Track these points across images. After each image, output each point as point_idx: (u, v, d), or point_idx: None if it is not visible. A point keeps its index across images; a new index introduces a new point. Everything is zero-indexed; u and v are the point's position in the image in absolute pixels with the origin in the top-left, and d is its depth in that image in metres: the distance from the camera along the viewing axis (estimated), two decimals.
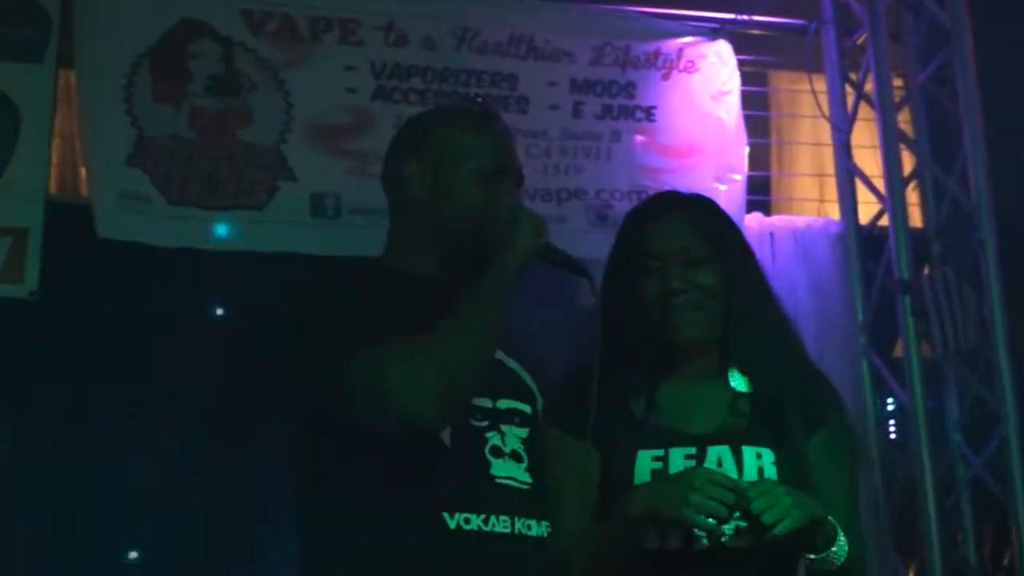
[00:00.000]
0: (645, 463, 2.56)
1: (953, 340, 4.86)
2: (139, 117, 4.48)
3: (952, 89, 5.06)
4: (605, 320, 2.59)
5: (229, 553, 5.23)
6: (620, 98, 4.96)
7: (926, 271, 5.01)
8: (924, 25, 5.13)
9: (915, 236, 5.04)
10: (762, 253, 4.92)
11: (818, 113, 5.16)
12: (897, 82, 5.15)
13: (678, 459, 2.55)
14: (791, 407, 2.60)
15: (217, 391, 5.03)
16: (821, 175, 5.41)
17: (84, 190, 4.59)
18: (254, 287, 4.68)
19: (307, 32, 4.67)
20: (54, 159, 4.60)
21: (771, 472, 2.53)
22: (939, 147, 5.15)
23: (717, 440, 2.57)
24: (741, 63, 5.10)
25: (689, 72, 5.02)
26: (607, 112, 4.95)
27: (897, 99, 5.10)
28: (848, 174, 5.16)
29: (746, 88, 5.18)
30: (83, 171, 4.59)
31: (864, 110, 5.13)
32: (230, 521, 5.22)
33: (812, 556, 2.47)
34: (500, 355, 2.52)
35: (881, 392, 5.14)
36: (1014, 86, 5.01)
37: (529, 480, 2.49)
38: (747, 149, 5.08)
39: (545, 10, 4.95)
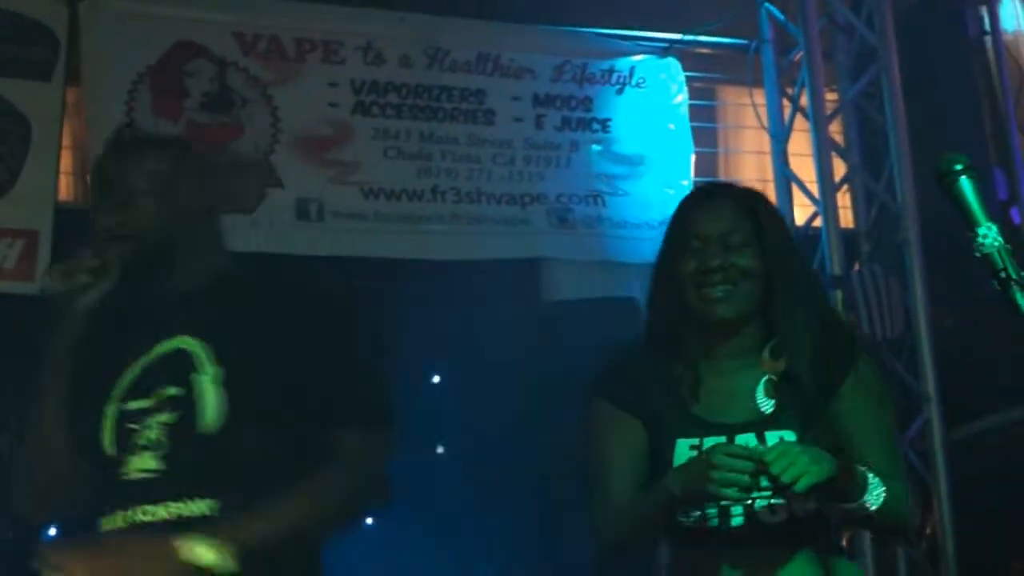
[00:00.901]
0: (683, 451, 2.54)
1: (880, 329, 4.94)
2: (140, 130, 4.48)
3: (879, 103, 5.17)
4: (651, 300, 2.64)
5: None
6: (578, 111, 5.07)
7: (856, 267, 5.10)
8: (854, 45, 5.25)
9: (846, 236, 5.12)
10: None
11: (759, 124, 5.23)
12: (830, 96, 5.23)
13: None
14: (815, 381, 2.55)
15: None
16: (763, 180, 5.38)
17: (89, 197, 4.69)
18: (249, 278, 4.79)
19: (293, 52, 4.77)
20: (63, 168, 4.65)
21: None
22: (868, 155, 5.27)
23: (744, 428, 2.54)
24: (689, 79, 5.21)
25: (641, 87, 5.14)
26: (566, 124, 5.05)
27: (829, 111, 5.18)
28: (785, 179, 5.24)
29: (695, 102, 5.29)
30: (88, 180, 4.63)
31: (800, 121, 5.21)
32: None
33: (847, 506, 2.42)
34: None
35: None
36: (935, 100, 5.19)
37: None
38: (694, 157, 5.17)
39: (509, 32, 5.04)
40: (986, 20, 5.30)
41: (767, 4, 5.23)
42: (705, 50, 5.31)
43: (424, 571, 5.03)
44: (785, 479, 2.27)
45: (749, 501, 2.38)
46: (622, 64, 5.13)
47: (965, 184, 1.97)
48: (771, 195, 5.27)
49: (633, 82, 5.13)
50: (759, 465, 2.29)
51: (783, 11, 5.21)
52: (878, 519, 2.46)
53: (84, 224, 4.29)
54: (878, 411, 2.59)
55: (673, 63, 5.18)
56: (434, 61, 4.92)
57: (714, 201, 2.65)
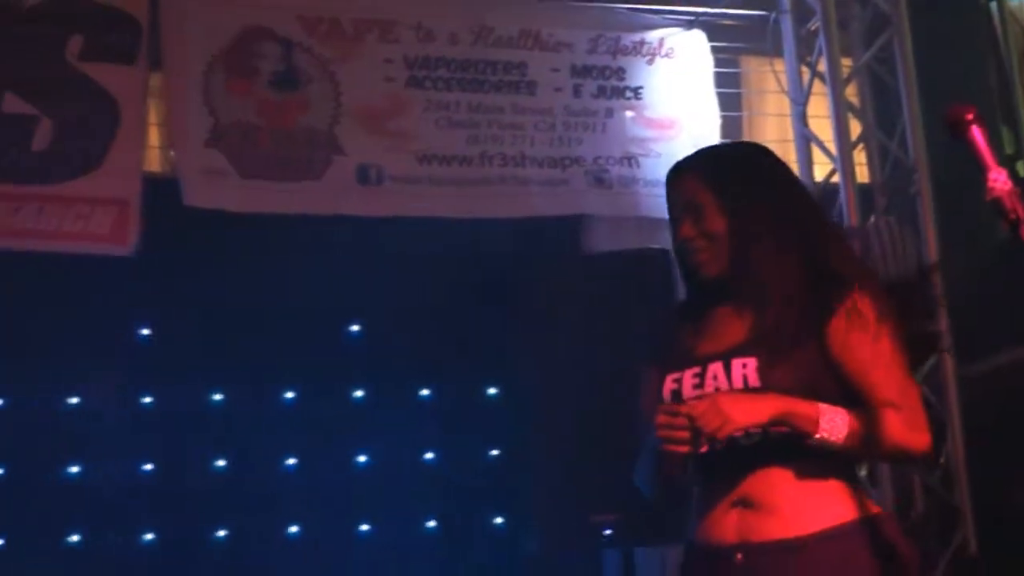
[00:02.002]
0: (668, 384, 2.62)
1: (896, 276, 5.06)
2: (215, 108, 4.69)
3: (892, 66, 5.19)
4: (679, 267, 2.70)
5: None
6: (612, 80, 5.12)
7: (872, 219, 5.10)
8: (868, 13, 5.25)
9: (862, 190, 5.14)
10: None
11: (779, 89, 5.27)
12: (845, 61, 5.21)
13: (688, 378, 2.59)
14: (792, 316, 2.53)
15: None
16: (784, 140, 5.39)
17: (173, 168, 4.75)
18: (310, 244, 4.96)
19: (352, 32, 4.86)
20: (150, 142, 4.74)
21: (754, 377, 2.50)
22: (881, 115, 5.28)
23: (716, 358, 2.57)
24: (714, 49, 5.24)
25: (669, 57, 5.18)
26: (602, 92, 5.10)
27: (845, 76, 5.17)
28: (805, 139, 5.26)
29: (720, 70, 5.31)
30: (172, 152, 4.76)
31: (817, 85, 5.21)
32: None
33: (809, 441, 2.43)
34: None
35: None
36: (944, 63, 5.23)
37: None
38: (719, 120, 5.20)
39: (548, 9, 5.12)
40: None
41: None
42: (728, 22, 5.33)
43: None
44: (706, 431, 2.38)
45: (704, 448, 2.42)
46: (652, 36, 5.17)
47: (976, 132, 2.03)
48: (791, 154, 5.34)
49: (663, 53, 5.18)
50: (689, 419, 2.40)
51: None
52: (856, 449, 2.47)
53: (168, 192, 4.57)
54: (874, 341, 2.52)
55: (699, 34, 5.22)
56: (480, 37, 5.00)
57: (679, 175, 2.72)
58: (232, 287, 5.02)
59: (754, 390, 2.51)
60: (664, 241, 4.86)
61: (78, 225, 4.53)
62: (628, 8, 5.21)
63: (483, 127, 4.97)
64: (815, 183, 5.26)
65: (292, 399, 5.09)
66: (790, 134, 5.39)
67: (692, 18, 5.23)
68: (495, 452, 5.14)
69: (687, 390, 2.59)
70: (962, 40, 5.33)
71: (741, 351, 2.57)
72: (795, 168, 5.23)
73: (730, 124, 5.40)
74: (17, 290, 4.80)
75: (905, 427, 2.50)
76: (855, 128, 5.21)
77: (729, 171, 2.71)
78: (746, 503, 2.52)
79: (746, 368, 2.54)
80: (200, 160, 4.67)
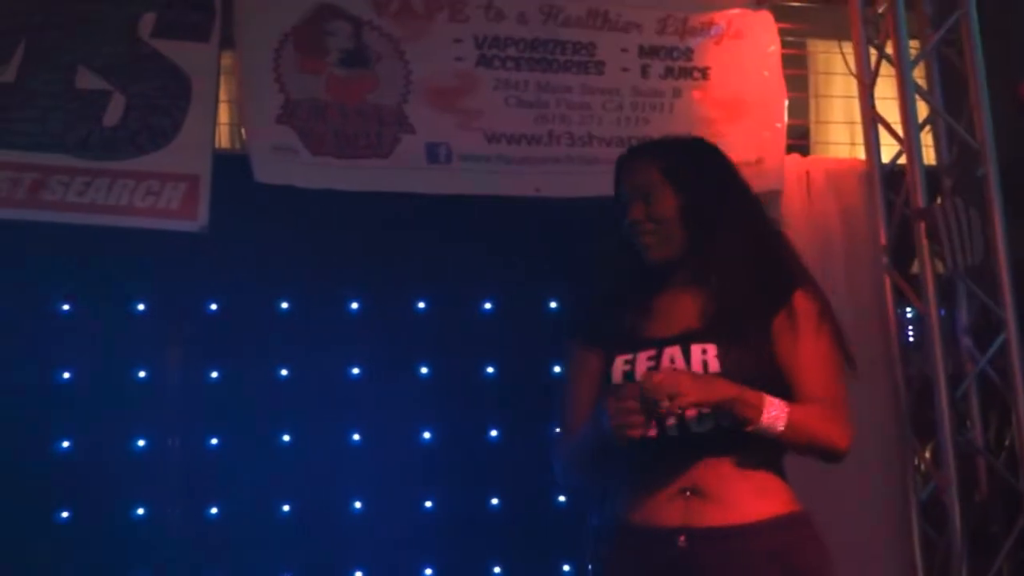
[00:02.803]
0: (619, 365, 2.70)
1: (962, 258, 4.93)
2: (286, 85, 4.65)
3: (959, 49, 5.10)
4: (618, 246, 2.78)
5: None
6: (680, 61, 5.06)
7: (938, 201, 5.06)
8: None
9: (929, 172, 5.07)
10: (799, 188, 5.14)
11: (847, 71, 5.21)
12: (913, 43, 5.15)
13: (643, 360, 2.67)
14: (745, 305, 2.64)
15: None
16: (851, 122, 5.42)
17: (244, 144, 4.73)
18: (381, 221, 4.90)
19: (423, 11, 4.82)
20: (221, 119, 4.74)
21: (714, 363, 2.61)
22: (949, 97, 5.21)
23: (673, 342, 2.66)
24: (782, 31, 5.16)
25: (737, 38, 5.11)
26: (669, 73, 5.04)
27: (913, 58, 5.09)
28: (872, 121, 5.18)
29: (788, 51, 5.24)
30: (243, 129, 4.74)
31: (885, 67, 5.14)
32: None
33: (751, 428, 2.55)
34: None
35: (901, 303, 5.15)
36: (1011, 46, 5.13)
37: None
38: (787, 102, 5.14)
39: None
40: None
41: None
42: (796, 3, 5.29)
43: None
44: (661, 401, 2.43)
45: (652, 432, 2.50)
46: (720, 17, 5.10)
47: None
48: (858, 136, 5.35)
49: (730, 33, 5.10)
50: (643, 394, 2.45)
51: None
52: (790, 439, 2.56)
53: (239, 168, 4.53)
54: (812, 341, 2.64)
55: (766, 15, 5.15)
56: (549, 17, 4.94)
57: (634, 160, 2.81)
58: (299, 263, 4.98)
59: (714, 375, 2.61)
60: None
61: (148, 200, 4.52)
62: None
63: (551, 106, 4.92)
64: (882, 164, 5.19)
65: (358, 375, 5.01)
66: (856, 116, 5.33)
67: None
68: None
69: (642, 373, 2.64)
70: None
71: (699, 337, 2.66)
72: (862, 149, 5.32)
73: (797, 105, 5.35)
74: (90, 264, 4.77)
75: (833, 425, 2.64)
76: (922, 110, 5.14)
77: (681, 160, 2.80)
78: (693, 491, 2.62)
79: (706, 354, 2.63)
80: (271, 137, 4.64)
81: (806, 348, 2.64)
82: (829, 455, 2.70)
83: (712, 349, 2.62)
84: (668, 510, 2.63)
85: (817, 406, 2.61)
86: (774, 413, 2.55)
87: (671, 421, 2.54)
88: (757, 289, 2.66)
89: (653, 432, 2.54)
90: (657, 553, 2.63)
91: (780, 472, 2.68)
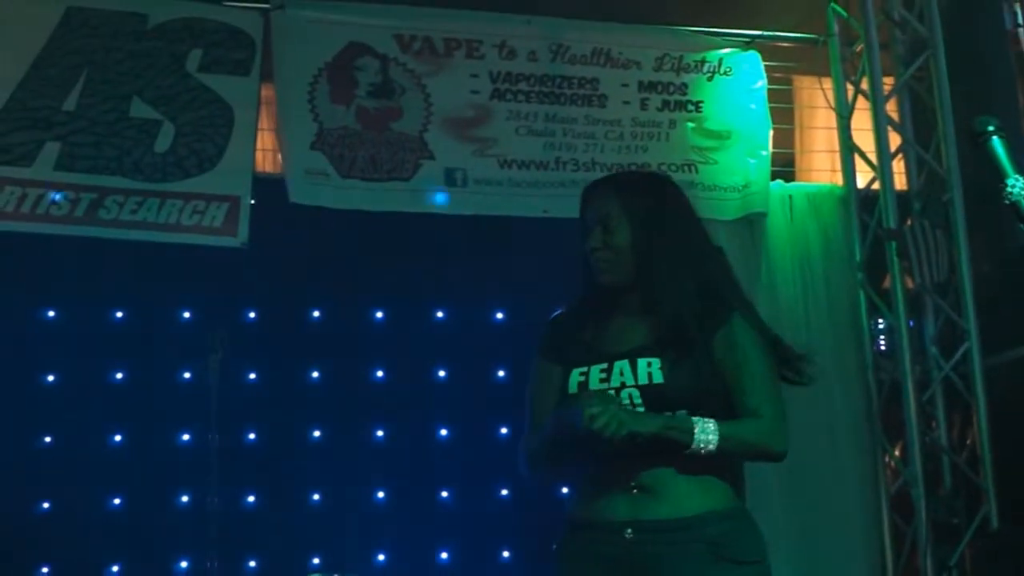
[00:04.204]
0: (575, 377, 2.75)
1: (929, 274, 5.10)
2: (319, 115, 4.83)
3: (929, 85, 5.28)
4: (580, 273, 2.84)
5: None
6: (675, 95, 5.21)
7: (908, 223, 5.20)
8: (907, 36, 5.34)
9: (900, 196, 5.23)
10: (783, 211, 5.31)
11: (827, 105, 5.38)
12: (887, 79, 5.31)
13: (595, 373, 2.73)
14: (688, 327, 2.68)
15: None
16: (831, 151, 5.55)
17: (280, 168, 4.90)
18: (404, 234, 5.08)
19: (442, 49, 5.01)
20: (260, 145, 4.89)
21: (658, 375, 2.67)
22: (919, 129, 5.36)
23: (622, 356, 2.72)
24: (768, 68, 5.33)
25: (728, 75, 5.28)
26: (666, 105, 5.20)
27: (886, 93, 5.26)
28: (849, 150, 5.37)
29: (774, 86, 5.39)
30: (279, 155, 4.91)
31: (861, 101, 5.32)
32: None
33: (686, 452, 2.61)
34: None
35: (874, 315, 5.27)
36: (976, 82, 5.30)
37: None
38: (772, 132, 5.29)
39: (618, 30, 5.22)
40: (1020, 15, 5.32)
41: (833, 4, 5.38)
42: (782, 44, 5.44)
43: None
44: (595, 427, 2.52)
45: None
46: (712, 56, 5.28)
47: (996, 142, 2.10)
48: (837, 164, 5.54)
49: (721, 71, 5.28)
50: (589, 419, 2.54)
51: (846, 9, 5.37)
52: (728, 451, 2.64)
53: (276, 190, 4.70)
54: (747, 360, 2.70)
55: (754, 55, 5.33)
56: (556, 55, 5.12)
57: (597, 190, 2.88)
58: (329, 276, 5.17)
59: (658, 386, 2.69)
60: (720, 240, 5.03)
61: (194, 219, 4.69)
62: (691, 30, 5.32)
63: (558, 135, 5.11)
64: (857, 189, 5.38)
65: (382, 378, 5.21)
66: (836, 145, 5.50)
67: (749, 40, 5.34)
68: None
69: (594, 383, 2.72)
70: (994, 61, 5.38)
71: (645, 352, 2.72)
72: (840, 176, 5.52)
73: (783, 136, 5.53)
74: (141, 277, 4.97)
75: (767, 433, 2.71)
76: (895, 140, 5.31)
77: (639, 194, 2.83)
78: (641, 488, 2.68)
79: (651, 367, 2.70)
80: (305, 162, 4.82)
81: (742, 365, 2.70)
82: (765, 459, 2.80)
83: (656, 363, 2.69)
84: (617, 505, 2.70)
85: (752, 420, 2.69)
86: (705, 436, 2.63)
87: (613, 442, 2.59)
88: (696, 313, 2.72)
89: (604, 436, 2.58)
90: (607, 544, 2.70)
91: (721, 471, 2.72)
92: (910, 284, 5.21)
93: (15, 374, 4.86)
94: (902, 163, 5.39)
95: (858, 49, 5.34)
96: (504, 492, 5.20)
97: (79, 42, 4.69)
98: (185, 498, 4.96)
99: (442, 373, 5.25)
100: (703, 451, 2.63)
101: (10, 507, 4.77)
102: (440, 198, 4.98)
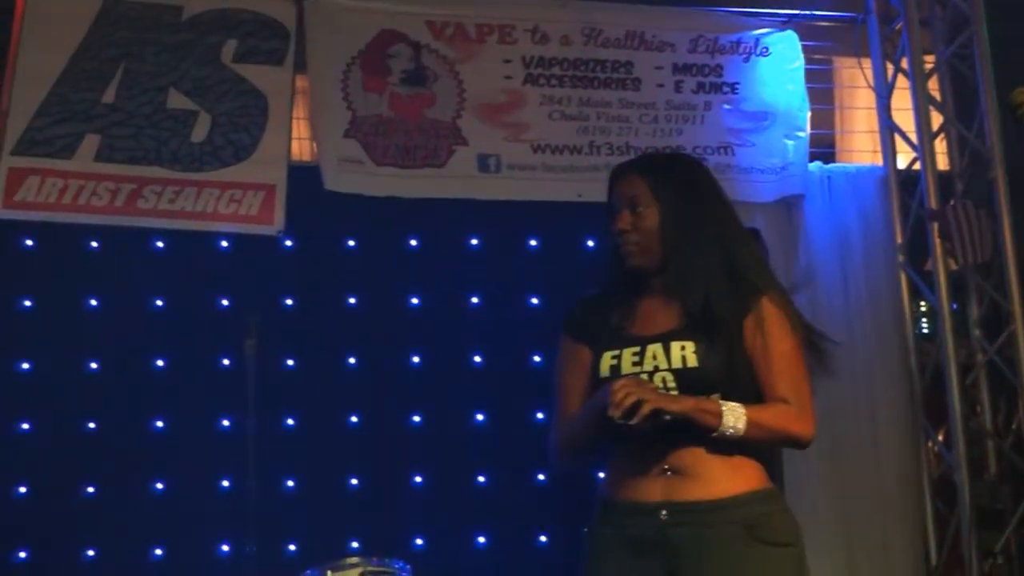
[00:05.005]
0: (606, 360, 2.73)
1: (972, 256, 5.00)
2: (353, 103, 4.82)
3: (970, 62, 5.16)
4: (607, 255, 2.84)
5: None
6: (711, 77, 5.14)
7: (951, 203, 5.10)
8: (948, 13, 5.22)
9: (942, 176, 5.14)
10: (821, 193, 5.21)
11: (867, 84, 5.26)
12: (927, 58, 5.20)
13: (628, 356, 2.70)
14: (718, 309, 2.67)
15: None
16: (871, 132, 5.43)
17: (315, 156, 4.89)
18: (437, 222, 5.07)
19: (475, 35, 4.97)
20: (295, 134, 4.88)
21: (692, 359, 2.66)
22: (960, 108, 5.24)
23: (655, 340, 2.70)
24: (806, 48, 5.23)
25: (764, 56, 5.19)
26: (701, 88, 5.13)
27: (927, 71, 5.16)
28: (889, 130, 5.27)
29: (815, 67, 5.30)
30: (314, 143, 4.91)
31: (901, 80, 5.21)
32: None
33: (714, 435, 2.61)
34: None
35: (916, 297, 5.22)
36: (1018, 58, 5.10)
37: None
38: (810, 113, 5.20)
39: (652, 12, 5.15)
40: None
41: None
42: (819, 23, 5.33)
43: None
44: (625, 402, 2.49)
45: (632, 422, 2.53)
46: (748, 37, 5.19)
47: None
48: (878, 144, 5.42)
49: (757, 51, 5.19)
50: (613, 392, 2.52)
51: None
52: (754, 436, 2.62)
53: (311, 178, 4.70)
54: (777, 343, 2.68)
55: (791, 35, 5.23)
56: (590, 39, 5.06)
57: (625, 173, 2.84)
58: (364, 263, 5.15)
59: (692, 370, 2.67)
60: (757, 223, 4.98)
61: (231, 207, 4.70)
62: (726, 11, 5.24)
63: (592, 119, 5.05)
64: (898, 170, 5.27)
65: (418, 364, 5.18)
66: (876, 125, 5.39)
67: (785, 20, 5.24)
68: None
69: (627, 367, 2.70)
70: None
71: (678, 335, 2.70)
72: (880, 156, 5.40)
73: (823, 116, 5.43)
74: (179, 265, 5.00)
75: (794, 419, 2.68)
76: (936, 119, 5.22)
77: (668, 176, 2.80)
78: (673, 471, 2.67)
79: (684, 350, 2.68)
80: (339, 150, 4.82)
81: (771, 349, 2.69)
82: (792, 445, 2.78)
83: (690, 346, 2.68)
84: (651, 488, 2.68)
85: (780, 405, 2.67)
86: (733, 418, 2.62)
87: (635, 420, 2.57)
88: (727, 296, 2.70)
89: (631, 423, 2.57)
90: (641, 526, 2.69)
91: (752, 453, 2.72)
92: (952, 266, 5.09)
93: (60, 362, 4.93)
94: (944, 143, 5.28)
95: (897, 27, 5.23)
96: (540, 477, 5.15)
97: (116, 35, 4.72)
98: (225, 483, 4.98)
99: (477, 359, 5.21)
100: (730, 435, 2.62)
101: (56, 492, 4.86)
102: (474, 184, 4.91)
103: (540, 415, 5.04)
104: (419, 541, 5.06)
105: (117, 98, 4.67)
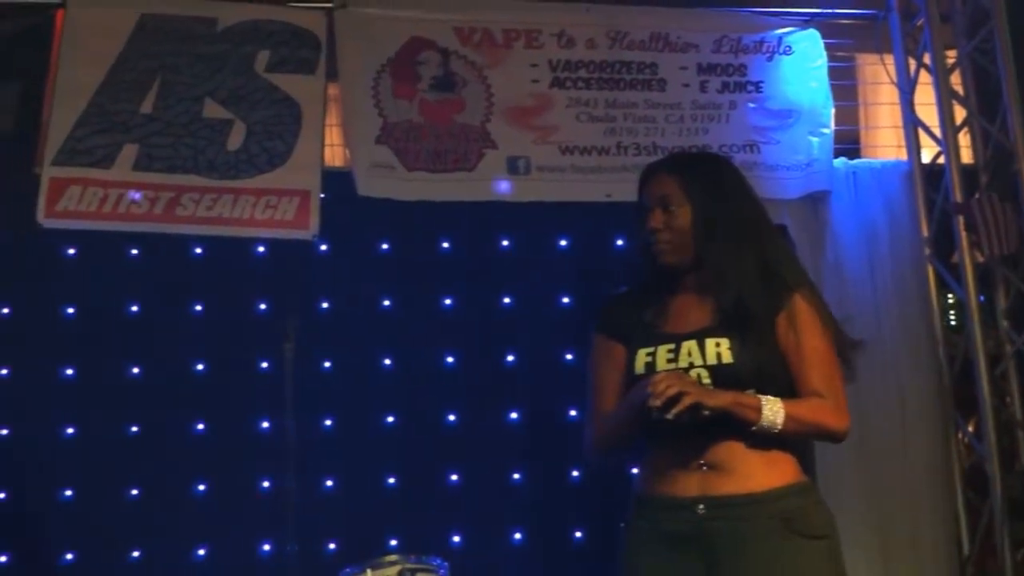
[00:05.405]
0: (641, 358, 2.75)
1: (998, 248, 4.98)
2: (383, 109, 4.87)
3: (992, 56, 5.15)
4: (638, 253, 2.85)
5: None
6: (735, 76, 5.16)
7: (975, 196, 5.09)
8: (969, 7, 5.21)
9: (966, 170, 5.14)
10: (847, 188, 5.23)
11: (889, 80, 5.27)
12: (949, 53, 5.20)
13: (662, 353, 2.73)
14: (751, 306, 2.69)
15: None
16: (895, 127, 5.44)
17: (348, 162, 4.92)
18: (468, 224, 5.13)
19: (502, 41, 5.01)
20: (328, 141, 4.94)
21: (727, 355, 2.68)
22: (983, 101, 5.23)
23: (690, 337, 2.73)
24: (828, 45, 5.25)
25: (787, 54, 5.21)
26: (725, 87, 5.15)
27: (949, 66, 5.16)
28: (913, 125, 5.28)
29: (838, 64, 5.31)
30: (347, 149, 4.95)
31: (923, 75, 5.22)
32: None
33: (753, 429, 2.63)
34: None
35: (943, 290, 5.20)
36: None
37: None
38: (833, 110, 5.20)
39: (676, 14, 5.18)
40: None
41: None
42: (841, 21, 5.35)
43: None
44: (666, 393, 2.51)
45: (669, 416, 2.55)
46: (771, 36, 5.21)
47: None
48: (902, 139, 5.43)
49: (780, 50, 5.21)
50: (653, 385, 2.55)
51: None
52: (791, 430, 2.64)
53: (344, 183, 4.75)
54: (811, 339, 2.71)
55: (813, 34, 5.25)
56: (615, 42, 5.09)
57: (655, 173, 2.86)
58: (398, 265, 5.21)
59: (728, 366, 2.69)
60: (783, 218, 5.01)
61: (267, 213, 4.76)
62: (749, 11, 5.26)
63: (619, 120, 5.08)
64: (922, 164, 5.28)
65: (452, 364, 5.24)
66: (900, 120, 5.40)
67: (807, 18, 5.25)
68: None
69: (661, 364, 2.72)
70: None
71: (712, 332, 2.72)
72: (904, 151, 5.41)
73: (847, 113, 5.43)
74: (217, 271, 5.08)
75: (829, 413, 2.71)
76: (959, 113, 5.21)
77: (698, 175, 2.82)
78: (709, 465, 2.69)
79: (719, 347, 2.70)
80: (371, 155, 4.86)
81: (805, 345, 2.71)
82: (828, 439, 2.80)
83: (725, 343, 2.70)
84: (687, 483, 2.70)
85: (815, 399, 2.69)
86: (771, 412, 2.64)
87: (674, 412, 2.59)
88: (760, 293, 2.72)
89: (669, 418, 2.59)
90: (678, 521, 2.70)
91: (787, 447, 2.73)
92: (979, 258, 5.08)
93: (103, 367, 5.01)
94: (967, 136, 5.27)
95: (918, 23, 5.24)
96: (575, 473, 5.18)
97: (153, 48, 4.80)
98: (266, 483, 5.03)
99: (510, 358, 5.25)
100: (768, 429, 2.63)
101: (101, 495, 4.94)
102: (504, 186, 4.97)
103: (573, 412, 5.06)
104: (456, 538, 5.09)
105: (154, 108, 4.74)
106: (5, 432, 4.91)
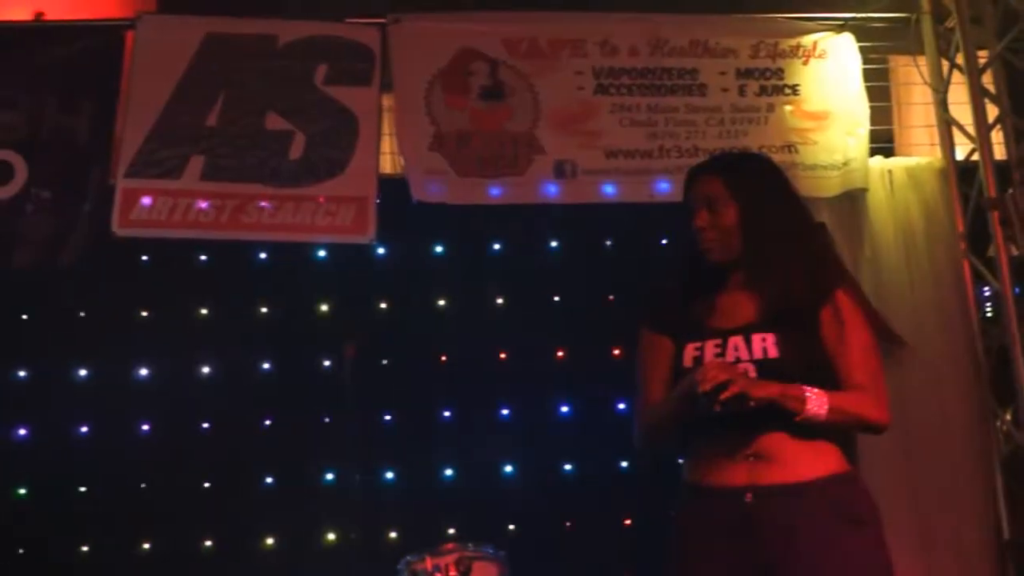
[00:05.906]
0: (689, 352, 2.79)
1: None
2: (436, 118, 5.00)
3: (1023, 55, 5.18)
4: (684, 250, 2.88)
5: None
6: (772, 80, 5.23)
7: (1009, 191, 5.10)
8: (999, 9, 5.24)
9: (999, 167, 5.15)
10: (883, 186, 5.30)
11: (923, 81, 5.34)
12: (981, 53, 5.24)
13: (710, 348, 2.76)
14: (796, 301, 2.71)
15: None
16: (929, 126, 5.49)
17: (402, 169, 5.01)
18: (518, 226, 5.29)
19: (548, 50, 5.13)
20: (384, 149, 5.07)
21: (773, 350, 2.71)
22: (1015, 99, 5.26)
23: (736, 332, 2.76)
24: (863, 48, 5.30)
25: (823, 58, 5.27)
26: (763, 91, 5.21)
27: (981, 65, 5.20)
28: (947, 124, 5.33)
29: (872, 66, 5.37)
30: (401, 157, 5.05)
31: (956, 75, 5.27)
32: None
33: (797, 419, 2.65)
34: None
35: (979, 283, 5.24)
36: None
37: None
38: (868, 110, 5.26)
39: (714, 21, 5.27)
40: None
41: None
42: (875, 24, 5.41)
43: None
44: (716, 381, 2.56)
45: (716, 407, 2.59)
46: (807, 40, 5.29)
47: None
48: (936, 138, 5.48)
49: (816, 54, 5.29)
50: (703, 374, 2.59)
51: None
52: (834, 421, 2.68)
53: (400, 190, 4.91)
54: (852, 333, 2.74)
55: (847, 37, 5.32)
56: (656, 49, 5.20)
57: (700, 174, 2.92)
58: (452, 267, 5.43)
59: (774, 360, 2.72)
60: (821, 216, 5.10)
61: (327, 220, 4.90)
62: (785, 17, 5.34)
63: (661, 125, 5.19)
64: (956, 161, 5.34)
65: (504, 360, 5.40)
66: (934, 119, 5.47)
67: (842, 23, 5.33)
68: None
69: (708, 358, 2.76)
70: None
71: (758, 327, 2.75)
72: (939, 149, 5.47)
73: (882, 113, 5.49)
74: (281, 275, 5.29)
75: (871, 406, 2.74)
76: (992, 111, 5.25)
77: (742, 175, 2.87)
78: (757, 456, 2.72)
79: (765, 342, 2.74)
80: (424, 163, 4.99)
81: (847, 339, 2.74)
82: (869, 431, 2.83)
83: (771, 338, 2.73)
84: (735, 472, 2.72)
85: (857, 391, 2.73)
86: (816, 404, 2.67)
87: (720, 400, 2.61)
88: (805, 288, 2.75)
89: (717, 407, 2.63)
90: (726, 510, 2.72)
91: (831, 437, 2.75)
92: (1014, 251, 5.11)
93: (175, 368, 5.23)
94: (1000, 134, 5.29)
95: (950, 25, 5.30)
96: (623, 464, 5.32)
97: (217, 64, 4.98)
98: (329, 476, 5.23)
99: (560, 354, 5.39)
100: (812, 420, 2.66)
101: (175, 488, 5.17)
102: (552, 189, 5.08)
103: (621, 405, 5.21)
104: (511, 527, 5.25)
105: (219, 121, 4.90)
106: (85, 430, 5.14)
